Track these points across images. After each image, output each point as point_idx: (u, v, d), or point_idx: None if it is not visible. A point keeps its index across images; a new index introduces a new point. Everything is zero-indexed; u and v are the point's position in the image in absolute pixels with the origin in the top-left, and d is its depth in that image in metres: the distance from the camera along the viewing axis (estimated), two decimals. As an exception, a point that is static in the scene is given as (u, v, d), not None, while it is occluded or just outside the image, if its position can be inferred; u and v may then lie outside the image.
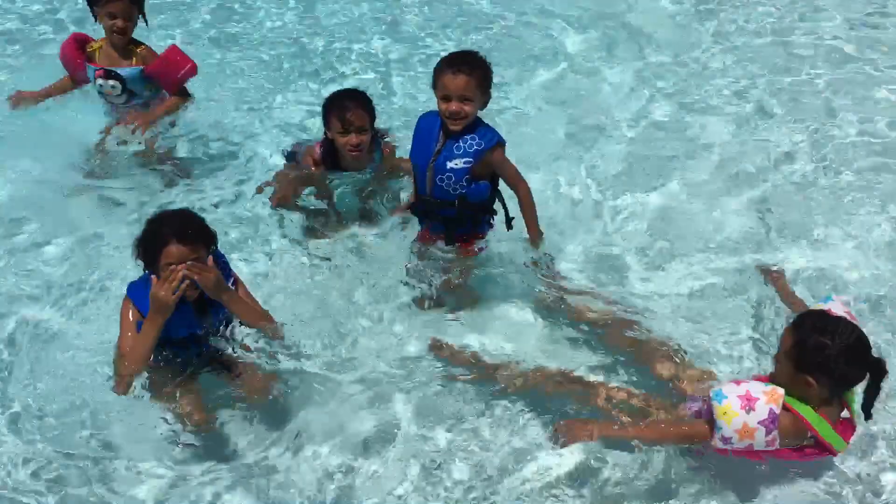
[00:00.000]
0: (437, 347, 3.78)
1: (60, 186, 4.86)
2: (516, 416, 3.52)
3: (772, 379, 3.05)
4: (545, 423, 3.46)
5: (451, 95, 3.54)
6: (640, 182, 5.03)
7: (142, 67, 4.67)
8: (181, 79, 4.77)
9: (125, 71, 4.66)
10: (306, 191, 4.50)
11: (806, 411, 2.94)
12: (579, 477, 3.26)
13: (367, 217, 4.47)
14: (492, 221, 3.98)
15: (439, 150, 3.69)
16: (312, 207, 4.52)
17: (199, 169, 5.07)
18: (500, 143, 3.72)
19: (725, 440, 2.95)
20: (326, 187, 4.43)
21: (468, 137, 3.65)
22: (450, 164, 3.67)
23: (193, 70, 4.78)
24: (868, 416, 2.99)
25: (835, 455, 3.08)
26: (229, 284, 3.38)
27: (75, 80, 4.87)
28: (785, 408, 2.93)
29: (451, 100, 3.54)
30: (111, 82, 4.67)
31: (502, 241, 4.08)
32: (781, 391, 2.92)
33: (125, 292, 3.36)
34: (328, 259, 4.35)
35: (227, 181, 4.99)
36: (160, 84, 4.78)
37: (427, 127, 3.75)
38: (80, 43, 4.74)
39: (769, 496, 3.22)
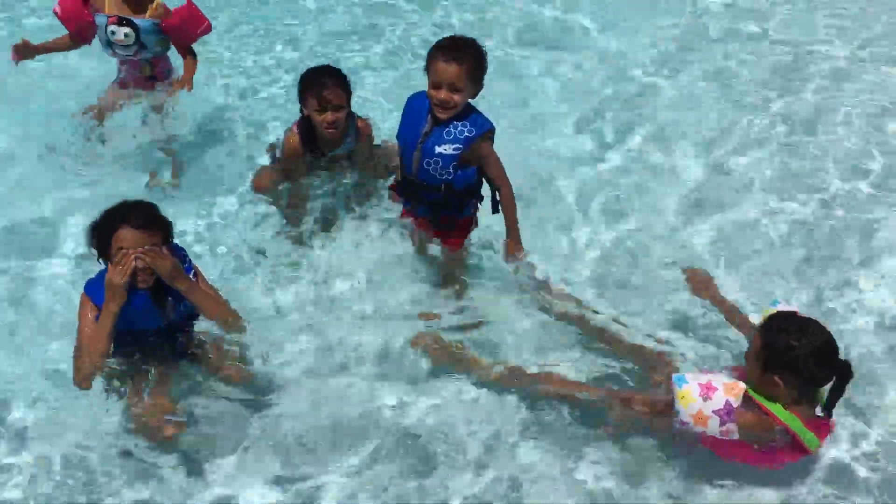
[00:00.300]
0: (418, 341, 3.71)
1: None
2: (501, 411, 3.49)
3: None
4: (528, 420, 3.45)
5: (442, 83, 3.48)
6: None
7: (158, 21, 4.53)
8: (197, 35, 4.70)
9: (141, 21, 4.50)
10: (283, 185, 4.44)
11: (774, 406, 2.95)
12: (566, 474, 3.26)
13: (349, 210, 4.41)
14: (478, 205, 3.89)
15: (427, 132, 3.61)
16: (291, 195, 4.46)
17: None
18: (491, 131, 3.65)
19: (682, 423, 3.00)
20: (304, 173, 4.35)
21: (459, 123, 3.57)
22: (438, 149, 3.59)
23: (209, 28, 4.73)
24: (829, 415, 3.02)
25: (808, 453, 3.06)
26: (188, 268, 3.31)
27: (76, 36, 4.69)
28: (753, 403, 2.96)
29: (441, 87, 3.48)
30: (125, 30, 4.47)
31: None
32: (743, 386, 2.96)
33: (83, 290, 3.28)
34: (305, 250, 4.31)
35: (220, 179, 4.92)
36: (173, 40, 4.67)
37: (416, 108, 3.66)
38: None
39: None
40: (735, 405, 2.91)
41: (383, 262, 4.17)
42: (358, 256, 4.25)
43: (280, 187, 4.45)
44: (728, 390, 2.94)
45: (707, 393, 2.94)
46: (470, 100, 3.63)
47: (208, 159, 5.10)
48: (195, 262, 3.48)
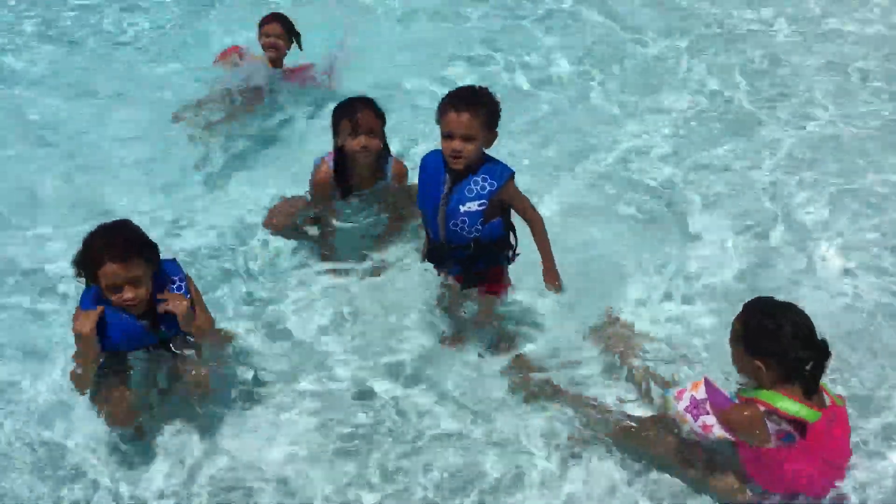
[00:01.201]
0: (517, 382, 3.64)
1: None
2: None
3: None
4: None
5: (454, 133, 3.36)
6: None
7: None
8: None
9: None
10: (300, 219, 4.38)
11: (758, 393, 2.99)
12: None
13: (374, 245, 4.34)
14: (510, 255, 3.76)
15: (448, 192, 3.51)
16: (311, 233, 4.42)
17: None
18: (511, 177, 3.53)
19: (677, 426, 3.18)
20: (332, 212, 4.27)
21: (478, 179, 3.47)
22: (463, 209, 3.49)
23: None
24: (813, 392, 2.99)
25: (811, 425, 2.95)
26: (180, 286, 3.30)
27: None
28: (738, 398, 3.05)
29: (454, 138, 3.37)
30: None
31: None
32: (701, 379, 3.12)
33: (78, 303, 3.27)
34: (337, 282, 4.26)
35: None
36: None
37: (432, 167, 3.56)
38: None
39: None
40: (699, 398, 3.07)
41: (407, 304, 4.08)
42: (383, 295, 4.19)
43: (299, 221, 4.38)
44: (691, 387, 3.14)
45: (679, 395, 3.17)
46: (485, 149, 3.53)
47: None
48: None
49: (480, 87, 3.51)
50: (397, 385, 3.71)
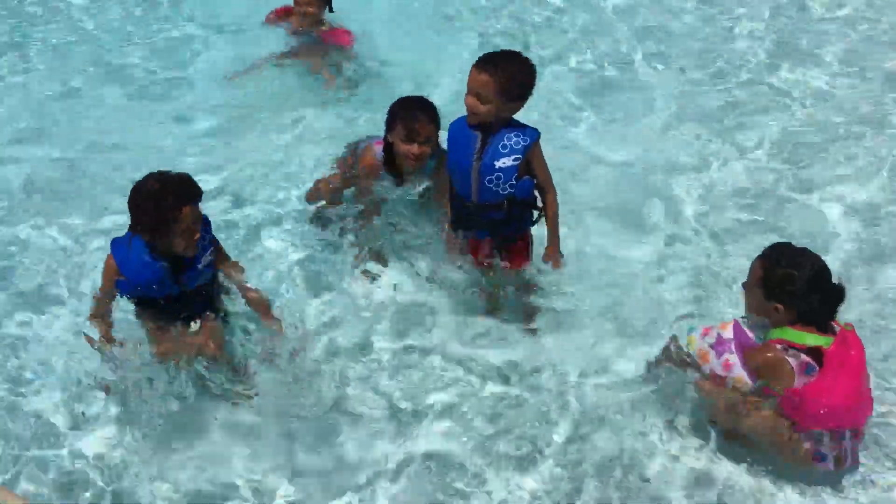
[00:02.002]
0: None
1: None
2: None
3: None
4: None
5: (470, 90, 3.47)
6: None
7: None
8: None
9: None
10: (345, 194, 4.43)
11: (772, 333, 3.15)
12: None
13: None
14: (534, 218, 3.80)
15: (480, 148, 3.56)
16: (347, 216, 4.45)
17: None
18: (538, 136, 3.60)
19: (694, 366, 3.29)
20: (373, 196, 4.29)
21: (511, 135, 3.53)
22: (498, 164, 3.53)
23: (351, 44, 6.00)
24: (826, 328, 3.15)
25: (827, 351, 3.10)
26: (208, 247, 3.42)
27: None
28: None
29: (470, 93, 3.47)
30: None
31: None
32: (732, 319, 3.25)
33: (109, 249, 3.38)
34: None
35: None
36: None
37: (460, 129, 3.63)
38: None
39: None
40: (726, 336, 3.19)
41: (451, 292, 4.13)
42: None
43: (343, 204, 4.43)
44: (719, 327, 3.25)
45: (706, 332, 3.27)
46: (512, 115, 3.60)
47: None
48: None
49: (514, 52, 3.57)
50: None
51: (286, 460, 3.42)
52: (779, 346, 3.10)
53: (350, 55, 6.00)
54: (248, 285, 3.64)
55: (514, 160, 3.52)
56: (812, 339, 3.09)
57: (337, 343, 3.92)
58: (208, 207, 3.54)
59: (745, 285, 3.28)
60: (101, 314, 3.47)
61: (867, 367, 3.20)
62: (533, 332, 3.96)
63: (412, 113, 3.93)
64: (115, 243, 3.37)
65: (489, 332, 3.97)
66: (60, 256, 4.39)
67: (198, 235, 3.27)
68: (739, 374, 3.16)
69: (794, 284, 3.07)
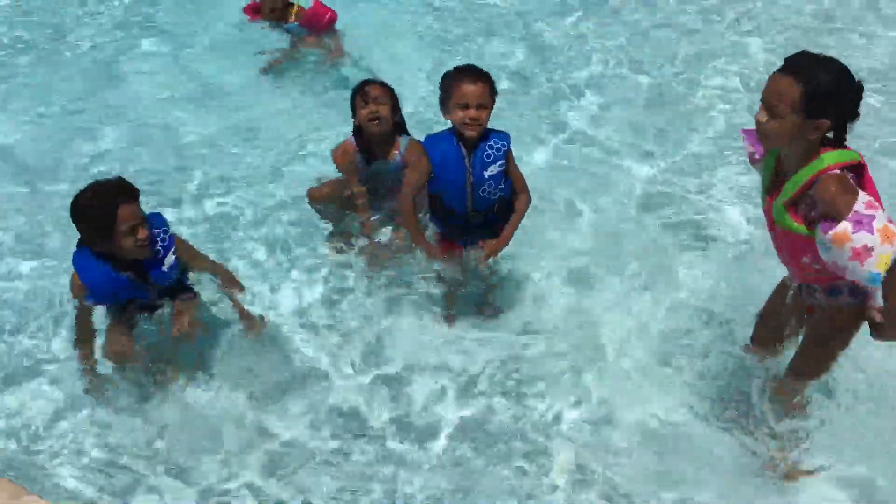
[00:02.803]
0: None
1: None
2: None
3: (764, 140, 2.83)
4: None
5: (470, 103, 3.62)
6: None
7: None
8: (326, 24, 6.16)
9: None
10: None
11: (814, 165, 2.70)
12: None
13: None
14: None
15: (469, 162, 3.75)
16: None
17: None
18: (510, 138, 3.82)
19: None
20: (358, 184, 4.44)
21: (490, 142, 3.73)
22: (487, 173, 3.74)
23: (334, 17, 6.11)
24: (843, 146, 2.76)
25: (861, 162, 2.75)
26: (163, 238, 3.45)
27: None
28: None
29: (470, 107, 3.62)
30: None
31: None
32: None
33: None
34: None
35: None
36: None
37: (446, 148, 3.75)
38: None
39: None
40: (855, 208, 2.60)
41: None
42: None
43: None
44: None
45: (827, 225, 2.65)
46: None
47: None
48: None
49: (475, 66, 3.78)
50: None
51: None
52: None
53: (335, 34, 6.21)
54: (234, 280, 3.83)
55: (499, 166, 3.74)
56: (849, 154, 2.71)
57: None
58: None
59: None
60: (83, 337, 3.56)
61: None
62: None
63: (365, 82, 4.25)
64: (77, 260, 3.39)
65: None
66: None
67: (144, 234, 3.27)
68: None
69: (840, 90, 2.63)
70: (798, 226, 2.76)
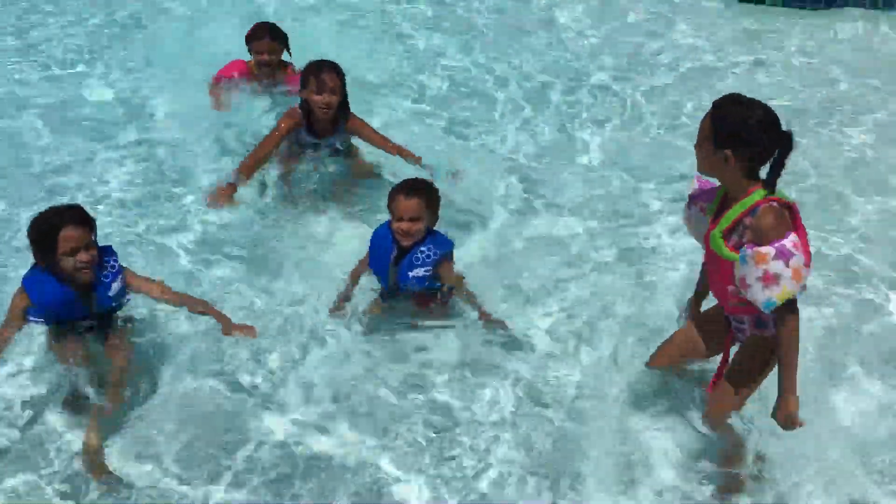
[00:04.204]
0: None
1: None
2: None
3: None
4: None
5: (404, 216, 3.83)
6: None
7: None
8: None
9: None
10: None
11: (747, 201, 2.94)
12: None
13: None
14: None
15: (396, 257, 3.95)
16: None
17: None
18: (451, 251, 3.99)
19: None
20: (295, 151, 4.86)
21: (424, 249, 3.91)
22: (411, 274, 3.94)
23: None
24: (773, 188, 2.96)
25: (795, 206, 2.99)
26: (114, 265, 3.59)
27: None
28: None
29: (403, 220, 3.84)
30: None
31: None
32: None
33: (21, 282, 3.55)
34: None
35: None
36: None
37: (382, 237, 4.00)
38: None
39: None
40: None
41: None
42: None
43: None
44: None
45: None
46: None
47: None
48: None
49: (422, 179, 4.00)
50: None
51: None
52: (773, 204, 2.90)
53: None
54: (193, 300, 3.84)
55: (424, 271, 3.93)
56: (783, 195, 2.94)
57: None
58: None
59: (696, 146, 3.04)
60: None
61: None
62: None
63: (320, 67, 4.61)
64: (26, 276, 3.57)
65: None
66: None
67: (86, 258, 3.44)
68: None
69: (745, 126, 2.88)
70: (730, 253, 2.98)
